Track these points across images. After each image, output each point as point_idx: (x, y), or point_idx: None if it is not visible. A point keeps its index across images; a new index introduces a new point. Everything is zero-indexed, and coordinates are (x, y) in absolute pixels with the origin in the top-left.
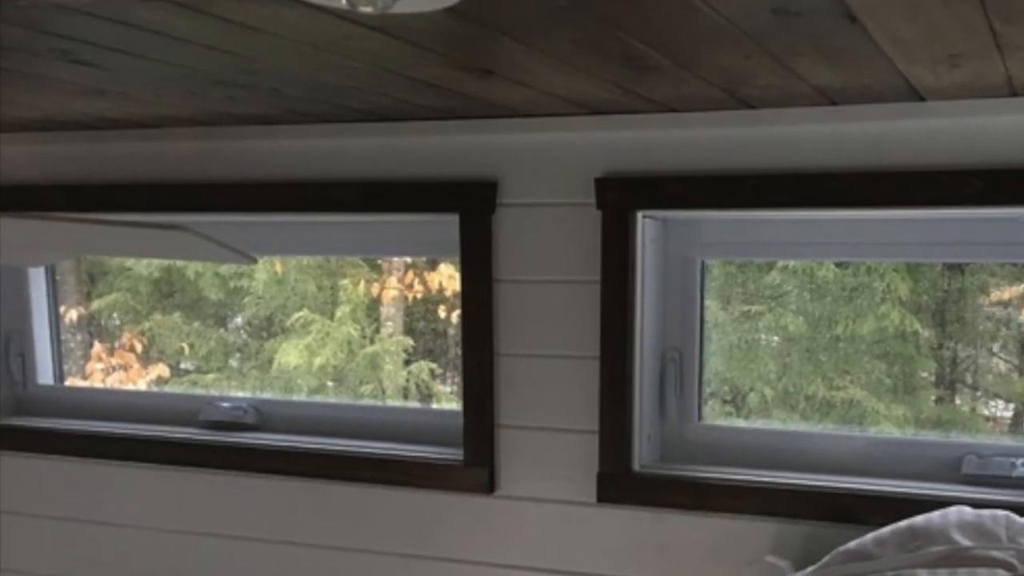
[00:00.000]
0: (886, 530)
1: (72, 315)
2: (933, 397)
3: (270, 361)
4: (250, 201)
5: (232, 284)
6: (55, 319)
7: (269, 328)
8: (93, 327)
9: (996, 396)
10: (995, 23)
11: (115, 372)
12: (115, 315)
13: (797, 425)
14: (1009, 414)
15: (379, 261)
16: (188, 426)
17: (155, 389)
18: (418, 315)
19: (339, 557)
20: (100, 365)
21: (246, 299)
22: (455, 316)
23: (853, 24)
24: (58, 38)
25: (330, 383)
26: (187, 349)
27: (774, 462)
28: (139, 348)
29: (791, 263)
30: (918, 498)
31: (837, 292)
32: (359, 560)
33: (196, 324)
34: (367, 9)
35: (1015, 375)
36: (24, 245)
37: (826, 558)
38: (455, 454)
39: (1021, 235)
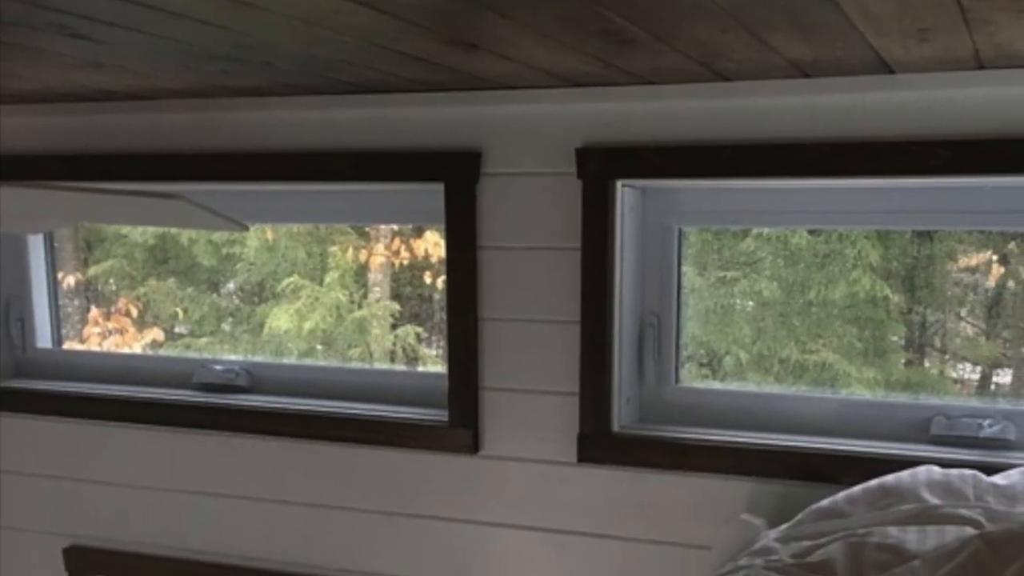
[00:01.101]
0: (857, 489)
1: (70, 281)
2: (903, 360)
3: (261, 325)
4: (242, 170)
5: (225, 251)
6: (53, 285)
7: (260, 293)
8: (90, 292)
9: (964, 359)
10: None
11: (111, 336)
12: (111, 281)
13: (771, 387)
14: (976, 377)
15: (367, 228)
16: (182, 388)
17: (150, 352)
18: (404, 281)
19: (328, 515)
20: (97, 329)
21: (238, 265)
22: (440, 282)
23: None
24: (56, 12)
25: (319, 347)
26: (181, 314)
27: (749, 423)
28: (134, 313)
29: (765, 230)
30: (888, 458)
31: (810, 258)
32: (347, 518)
33: (190, 289)
34: None
35: (982, 339)
36: (23, 213)
37: (799, 516)
38: (440, 415)
39: (987, 203)
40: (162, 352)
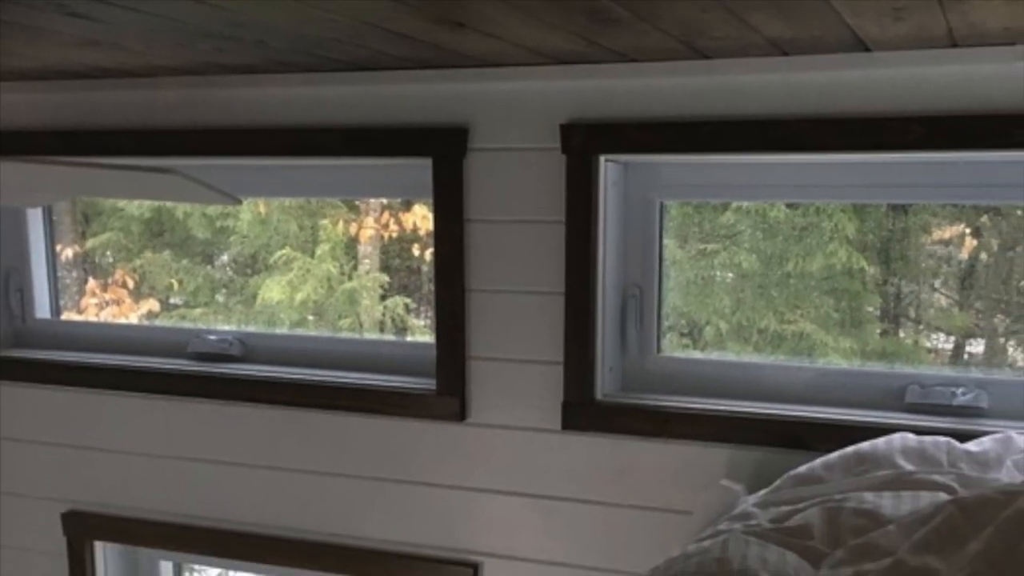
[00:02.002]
0: (834, 455)
1: (68, 253)
2: (878, 330)
3: (254, 296)
4: (236, 146)
5: (219, 224)
6: (52, 257)
7: (253, 265)
8: (88, 264)
9: (937, 329)
10: None
11: (108, 307)
12: (108, 253)
13: (750, 357)
14: (950, 346)
15: (357, 202)
16: (177, 358)
17: (146, 323)
18: (393, 253)
19: (319, 481)
20: (94, 300)
21: (232, 238)
22: (428, 254)
23: None
24: None
25: (311, 317)
26: (176, 285)
27: (729, 391)
28: (131, 284)
29: (744, 204)
30: (864, 425)
31: (788, 231)
32: (338, 484)
33: (185, 261)
34: None
35: (955, 310)
36: (23, 187)
37: (777, 482)
38: (428, 384)
39: (960, 177)
40: (158, 322)
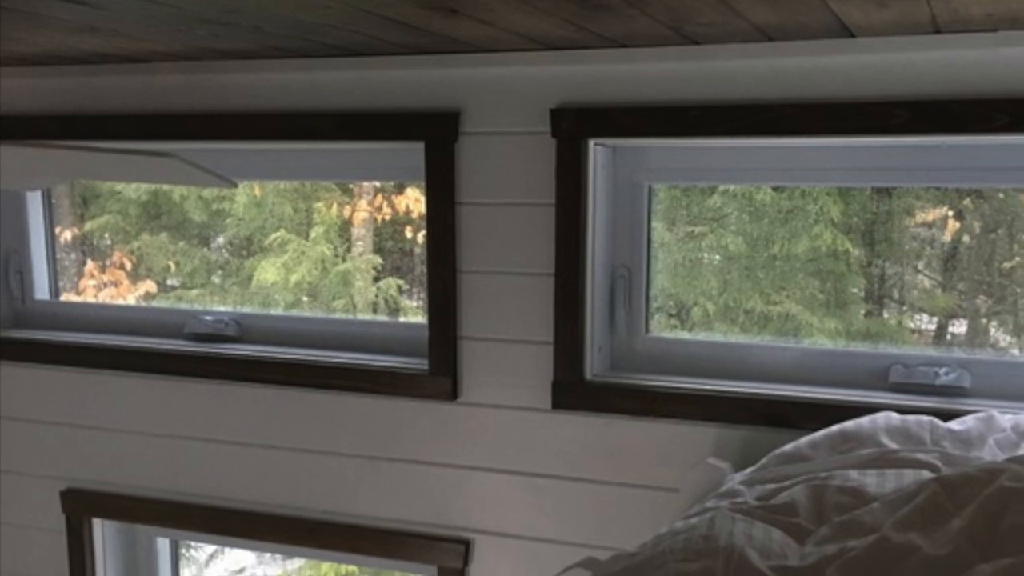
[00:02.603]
0: (819, 434)
1: (67, 235)
2: (863, 311)
3: (249, 278)
4: (231, 130)
5: (215, 207)
6: (51, 239)
7: (249, 247)
8: (86, 246)
9: (921, 310)
10: None
11: (106, 288)
12: (106, 235)
13: (737, 337)
14: (933, 327)
15: (350, 185)
16: (174, 338)
17: (143, 304)
18: (386, 235)
19: (313, 459)
20: (92, 282)
21: (227, 220)
22: (421, 236)
23: None
24: None
25: (305, 298)
26: (173, 267)
27: (716, 371)
28: (128, 266)
29: (731, 187)
30: (849, 404)
31: (774, 214)
32: (331, 462)
33: (181, 244)
34: None
35: (938, 291)
36: (22, 171)
37: (763, 460)
38: (420, 364)
39: (943, 161)
40: (155, 303)
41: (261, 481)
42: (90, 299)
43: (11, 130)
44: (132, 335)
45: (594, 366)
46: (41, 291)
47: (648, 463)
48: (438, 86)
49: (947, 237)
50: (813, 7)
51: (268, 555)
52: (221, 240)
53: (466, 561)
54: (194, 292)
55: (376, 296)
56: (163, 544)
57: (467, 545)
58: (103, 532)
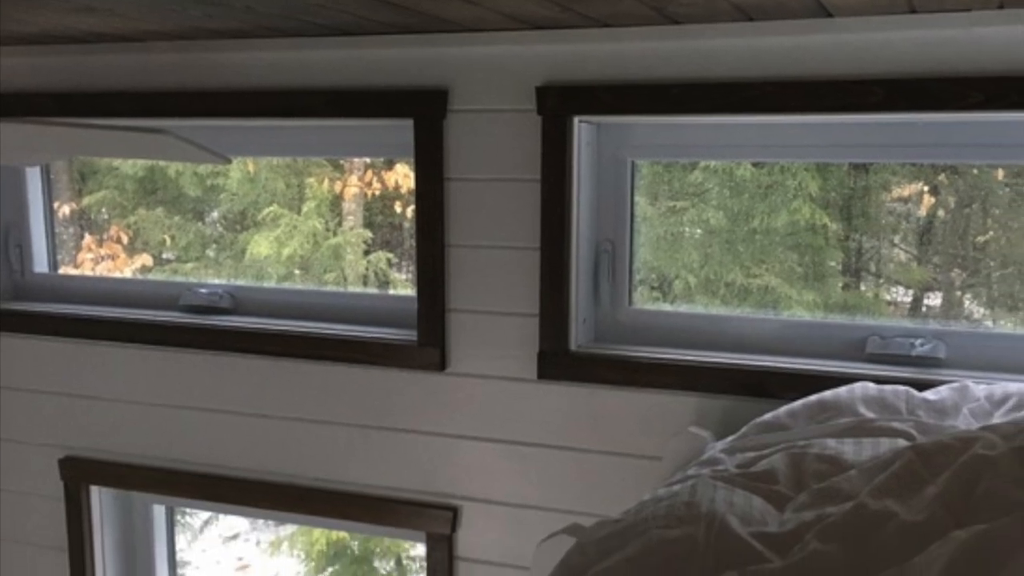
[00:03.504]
0: (798, 403)
1: (65, 210)
2: (840, 284)
3: (243, 251)
4: (225, 107)
5: (209, 182)
6: (50, 213)
7: (242, 222)
8: (84, 221)
9: (897, 283)
10: None
11: (104, 261)
12: (104, 210)
13: (717, 309)
14: (908, 299)
15: (341, 161)
16: (169, 310)
17: (139, 277)
18: (376, 210)
19: (305, 428)
20: (90, 255)
21: (222, 195)
22: (410, 211)
23: None
24: None
25: (297, 271)
26: (168, 241)
27: (697, 342)
28: (125, 240)
29: (712, 163)
30: (826, 375)
31: (753, 189)
32: (323, 430)
33: (177, 218)
34: None
35: (914, 264)
36: (22, 147)
37: (744, 429)
38: (410, 335)
39: (919, 138)
40: (151, 276)
41: (254, 449)
42: (88, 272)
43: (10, 107)
44: (129, 307)
45: (578, 337)
46: (40, 264)
47: (631, 432)
48: (426, 65)
49: (922, 212)
50: None
51: (261, 521)
52: (215, 215)
53: (454, 527)
54: (189, 265)
55: (366, 269)
56: (159, 510)
57: (455, 512)
58: (100, 499)
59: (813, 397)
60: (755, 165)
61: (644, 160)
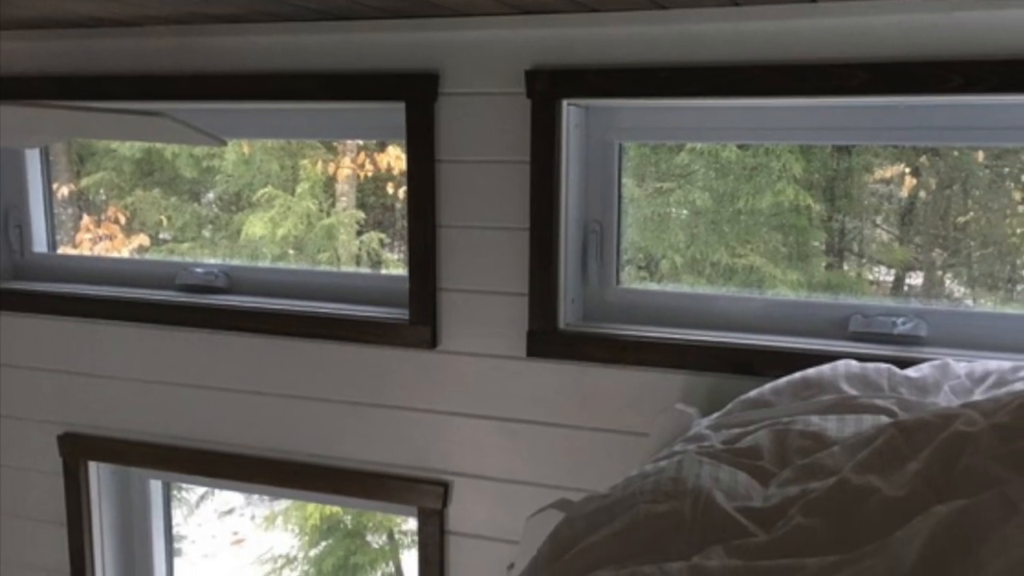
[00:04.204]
0: (782, 381)
1: (64, 191)
2: (823, 263)
3: (238, 232)
4: (221, 90)
5: (205, 164)
6: (49, 194)
7: (237, 203)
8: (82, 201)
9: (879, 263)
10: None
11: (102, 241)
12: (102, 191)
13: (703, 288)
14: (890, 278)
15: (334, 143)
16: (166, 289)
17: (137, 256)
18: (369, 191)
19: (299, 405)
20: (88, 235)
21: (217, 177)
22: (402, 192)
23: None
24: None
25: (291, 251)
26: (165, 221)
27: (683, 321)
28: (123, 220)
29: (698, 145)
30: (810, 353)
31: (739, 171)
32: (317, 407)
33: (173, 199)
34: None
35: (896, 244)
36: (21, 130)
37: (729, 405)
38: (402, 313)
39: (901, 121)
40: (148, 256)
41: (249, 426)
42: (86, 252)
43: (10, 90)
44: (126, 286)
45: (567, 316)
46: (39, 244)
47: (619, 408)
48: (418, 48)
49: (904, 193)
50: None
51: (256, 496)
52: (211, 196)
53: (445, 502)
54: (185, 245)
55: (359, 249)
56: (155, 486)
57: (446, 487)
58: (98, 474)
59: (797, 375)
60: (740, 147)
61: (631, 142)
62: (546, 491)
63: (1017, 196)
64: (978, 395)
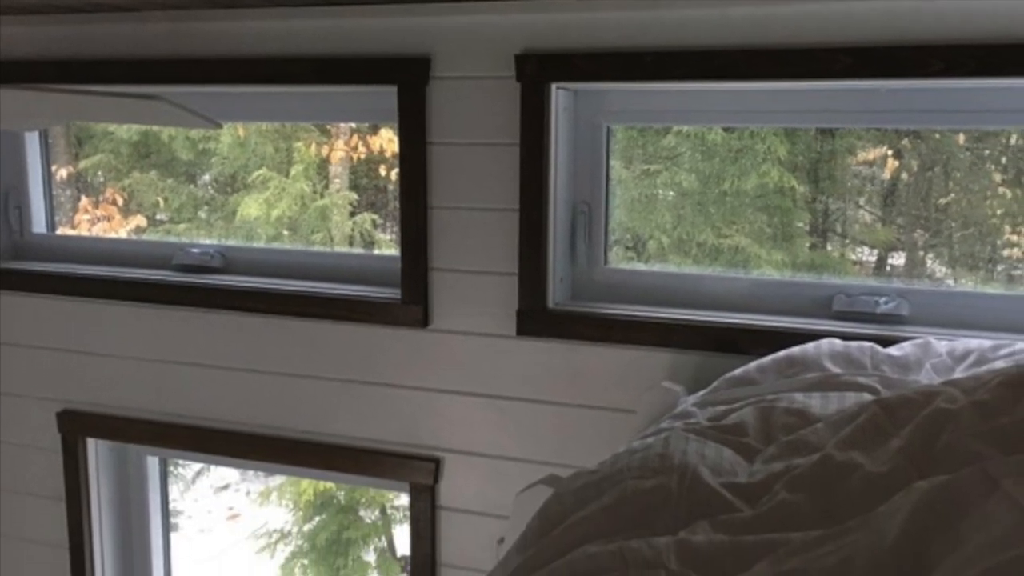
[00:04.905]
0: (767, 359)
1: (62, 173)
2: (807, 244)
3: (234, 213)
4: (216, 74)
5: (201, 146)
6: (48, 176)
7: (233, 184)
8: (81, 183)
9: (862, 243)
10: None
11: (99, 222)
12: (100, 173)
13: (690, 268)
14: (873, 259)
15: (328, 126)
16: (162, 269)
17: (134, 237)
18: (362, 173)
19: (294, 383)
20: (87, 216)
21: (213, 159)
22: (394, 174)
23: None
24: None
25: (286, 232)
26: (162, 202)
27: (670, 300)
28: (120, 201)
29: (685, 128)
30: (794, 332)
31: (724, 153)
32: (311, 385)
33: (170, 181)
34: None
35: (878, 225)
36: (21, 113)
37: (715, 383)
38: (394, 293)
39: (883, 104)
40: (145, 237)
41: (244, 403)
42: (84, 233)
43: (10, 74)
44: (124, 266)
45: (556, 295)
46: (39, 225)
47: (606, 386)
48: (409, 33)
49: (886, 175)
50: None
51: (251, 472)
52: (207, 177)
53: (436, 478)
54: (181, 226)
55: (352, 230)
56: (152, 462)
57: (437, 463)
58: (96, 451)
59: (781, 353)
60: (726, 130)
61: (619, 125)
62: (535, 467)
63: (997, 178)
64: (959, 373)
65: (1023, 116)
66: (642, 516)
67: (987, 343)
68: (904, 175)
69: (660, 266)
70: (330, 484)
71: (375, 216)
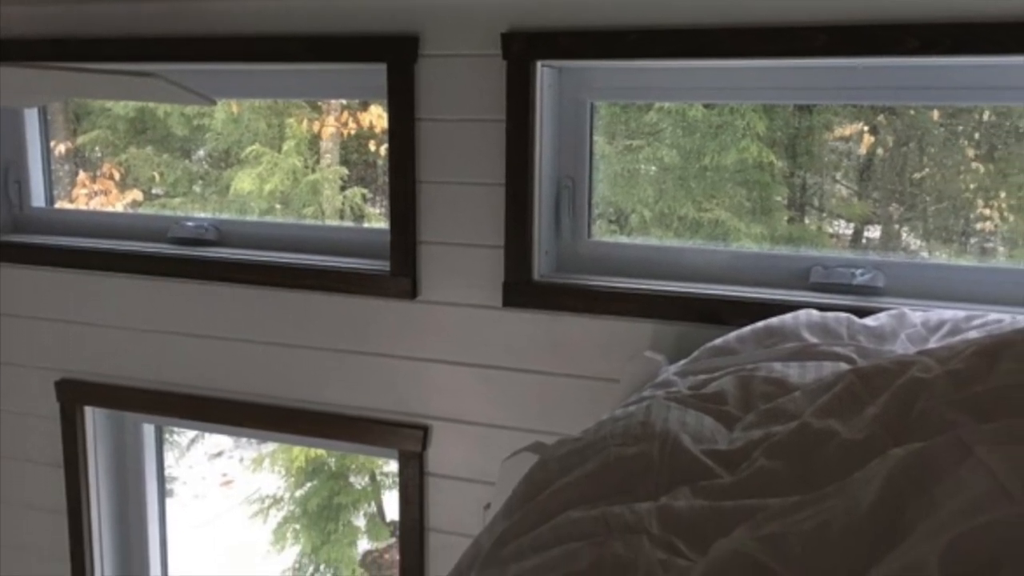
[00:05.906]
0: (746, 329)
1: (61, 148)
2: (786, 217)
3: (227, 187)
4: (211, 52)
5: (195, 122)
6: (47, 151)
7: (227, 159)
8: (78, 158)
9: (839, 217)
10: None
11: (97, 196)
12: (97, 148)
13: (671, 241)
14: (849, 232)
15: (319, 103)
16: (158, 242)
17: (131, 211)
18: (352, 148)
19: (286, 352)
20: (84, 191)
21: (207, 135)
22: (383, 149)
23: None
24: None
25: (278, 206)
26: (157, 177)
27: (652, 272)
28: (117, 176)
29: (666, 104)
30: (773, 303)
31: (705, 129)
32: (303, 355)
33: (165, 156)
34: None
35: (855, 199)
36: (20, 90)
37: (696, 353)
38: (383, 265)
39: (860, 81)
40: (141, 210)
41: (239, 372)
42: (82, 206)
43: (10, 52)
44: (120, 239)
45: (541, 268)
46: (37, 199)
47: (590, 356)
48: (399, 12)
49: (863, 150)
50: None
51: (244, 439)
52: (201, 153)
53: (424, 445)
54: (177, 200)
55: (343, 204)
56: (148, 429)
57: (425, 431)
58: (94, 419)
59: (760, 323)
60: (706, 106)
61: (603, 102)
62: (521, 435)
63: (970, 153)
64: (933, 343)
65: (996, 93)
66: (625, 482)
67: (961, 314)
68: (880, 150)
69: (642, 239)
70: (321, 451)
71: (365, 190)
